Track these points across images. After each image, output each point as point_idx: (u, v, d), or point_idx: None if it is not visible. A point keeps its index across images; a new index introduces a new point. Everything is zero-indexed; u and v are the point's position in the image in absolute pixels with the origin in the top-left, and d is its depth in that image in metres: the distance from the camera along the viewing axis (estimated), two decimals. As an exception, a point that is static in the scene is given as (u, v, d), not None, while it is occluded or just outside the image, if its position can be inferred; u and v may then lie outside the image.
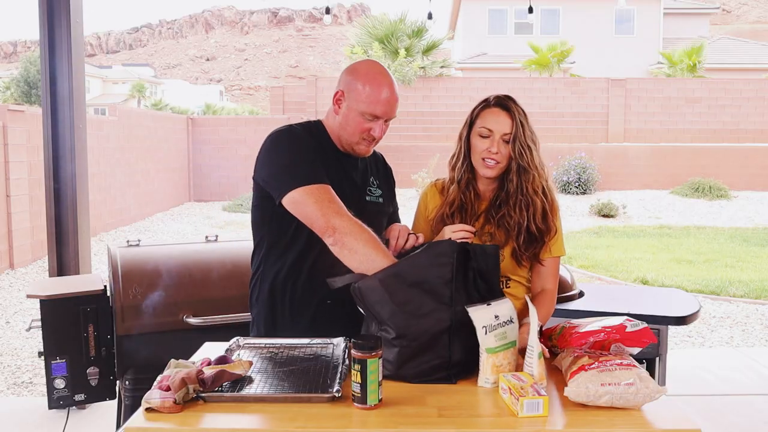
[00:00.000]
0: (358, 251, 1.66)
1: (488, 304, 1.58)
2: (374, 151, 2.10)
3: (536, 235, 1.90)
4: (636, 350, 1.57)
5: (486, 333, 1.55)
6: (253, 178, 1.93)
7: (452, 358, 1.59)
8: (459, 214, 1.96)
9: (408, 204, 3.19)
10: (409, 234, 1.93)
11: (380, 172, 2.09)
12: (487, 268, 1.68)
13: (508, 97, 1.93)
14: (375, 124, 1.87)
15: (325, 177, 1.79)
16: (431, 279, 1.59)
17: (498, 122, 1.89)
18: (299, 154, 1.83)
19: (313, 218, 1.73)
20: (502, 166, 1.90)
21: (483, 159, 1.91)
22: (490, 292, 1.67)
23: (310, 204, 1.74)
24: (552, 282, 1.97)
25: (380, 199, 2.02)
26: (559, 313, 2.52)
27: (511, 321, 1.59)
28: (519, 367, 1.58)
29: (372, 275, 1.61)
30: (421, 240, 1.92)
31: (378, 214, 1.99)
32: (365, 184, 2.00)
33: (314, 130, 1.96)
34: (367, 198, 1.99)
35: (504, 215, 1.92)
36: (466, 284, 1.63)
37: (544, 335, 1.76)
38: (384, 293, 1.58)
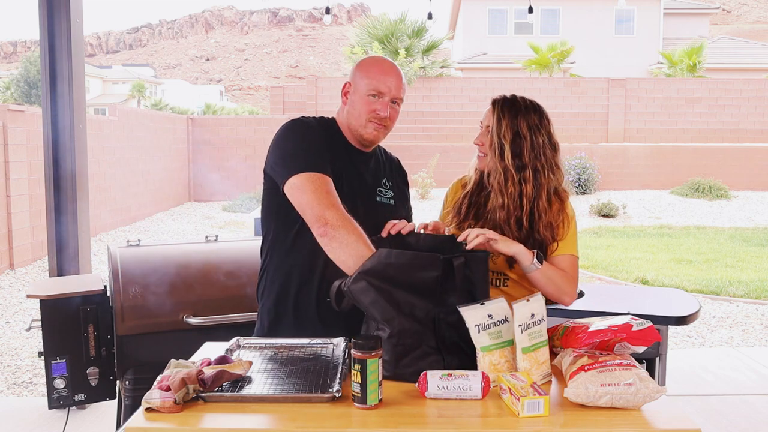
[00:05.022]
0: (349, 244, 1.67)
1: (481, 304, 1.59)
2: (389, 154, 2.12)
3: (519, 240, 1.85)
4: (641, 349, 1.57)
5: (479, 332, 1.56)
6: (264, 170, 1.95)
7: (445, 358, 1.60)
8: (468, 200, 1.98)
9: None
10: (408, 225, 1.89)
11: (394, 174, 2.09)
12: (476, 275, 1.66)
13: (509, 97, 1.94)
14: (379, 103, 1.88)
15: (328, 168, 1.81)
16: (418, 283, 1.60)
17: (486, 115, 1.95)
18: (307, 142, 1.86)
19: (306, 206, 1.75)
20: (488, 160, 1.93)
21: (477, 153, 1.97)
22: (484, 295, 1.66)
23: (307, 192, 1.76)
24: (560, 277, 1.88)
25: (391, 201, 2.01)
26: (559, 313, 2.51)
27: (506, 320, 1.59)
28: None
29: (360, 277, 1.60)
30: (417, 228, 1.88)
31: (389, 215, 1.96)
32: (376, 184, 1.99)
33: (328, 123, 1.99)
34: (378, 199, 1.98)
35: (489, 210, 1.93)
36: (455, 290, 1.63)
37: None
38: (376, 295, 1.59)
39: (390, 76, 1.89)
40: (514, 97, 1.94)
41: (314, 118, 1.99)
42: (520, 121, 1.88)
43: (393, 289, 1.60)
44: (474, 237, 1.74)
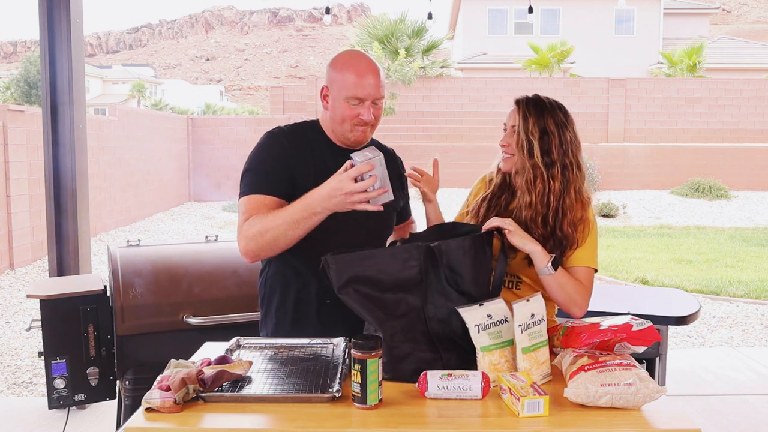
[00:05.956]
0: (260, 234, 1.73)
1: (480, 305, 1.58)
2: (382, 146, 2.07)
3: (543, 238, 1.82)
4: (641, 349, 1.57)
5: (479, 332, 1.56)
6: None
7: (443, 356, 1.60)
8: (488, 203, 1.96)
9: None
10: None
11: (390, 165, 2.05)
12: (458, 262, 1.62)
13: (532, 96, 1.91)
14: (362, 107, 1.85)
15: (264, 186, 1.82)
16: (402, 282, 1.59)
17: (510, 116, 1.92)
18: (259, 162, 1.87)
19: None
20: (516, 160, 1.89)
21: (502, 154, 1.94)
22: (474, 284, 1.63)
23: (239, 215, 1.83)
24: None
25: None
26: (560, 313, 2.51)
27: (506, 320, 1.59)
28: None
29: (347, 285, 1.58)
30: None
31: (387, 208, 1.97)
32: None
33: (307, 128, 1.97)
34: None
35: (513, 209, 1.90)
36: (439, 282, 1.61)
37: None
38: (364, 301, 1.59)
39: (367, 78, 1.83)
40: (537, 96, 1.92)
41: (291, 126, 1.96)
42: (546, 118, 1.85)
43: (380, 294, 1.59)
44: (491, 222, 1.73)
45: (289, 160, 1.86)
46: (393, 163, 2.09)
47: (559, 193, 1.83)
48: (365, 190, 1.60)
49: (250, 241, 1.75)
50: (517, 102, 1.90)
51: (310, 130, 1.97)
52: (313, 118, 2.02)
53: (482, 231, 1.71)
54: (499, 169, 1.99)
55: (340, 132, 1.91)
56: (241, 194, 1.84)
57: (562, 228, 1.83)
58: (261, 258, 1.85)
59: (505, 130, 1.93)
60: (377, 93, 1.86)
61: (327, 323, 1.89)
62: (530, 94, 1.93)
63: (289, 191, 1.83)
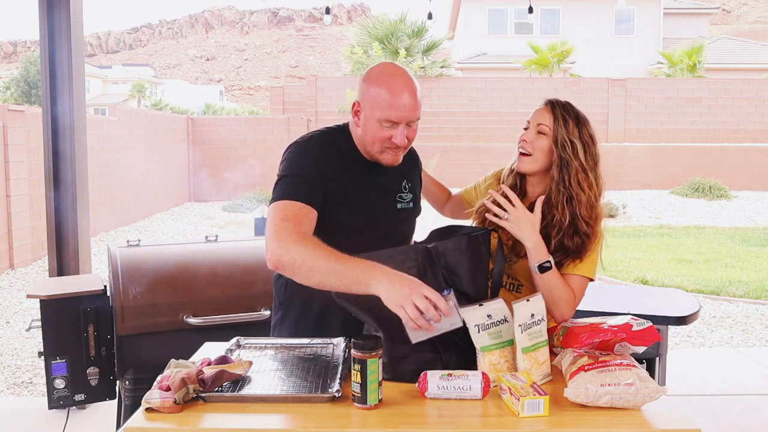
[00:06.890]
0: (302, 264, 1.56)
1: (480, 305, 1.59)
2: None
3: (566, 244, 1.79)
4: (641, 349, 1.57)
5: (479, 332, 1.56)
6: None
7: (443, 356, 1.60)
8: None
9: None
10: None
11: (411, 169, 2.00)
12: (455, 262, 1.62)
13: (564, 102, 1.89)
14: (395, 130, 1.74)
15: (305, 193, 1.71)
16: None
17: (537, 115, 1.88)
18: (296, 168, 1.77)
19: (265, 235, 1.68)
20: (534, 158, 1.85)
21: (519, 151, 1.89)
22: (471, 284, 1.64)
23: (268, 220, 1.69)
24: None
25: (411, 204, 1.95)
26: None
27: (506, 320, 1.60)
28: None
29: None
30: None
31: (408, 219, 1.95)
32: (397, 190, 1.92)
33: (338, 137, 1.87)
34: (399, 206, 1.92)
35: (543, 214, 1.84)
36: (437, 283, 1.61)
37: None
38: (364, 301, 1.58)
39: (402, 98, 1.71)
40: (569, 104, 1.90)
41: (322, 133, 1.87)
42: (582, 127, 1.87)
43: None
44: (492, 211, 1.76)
45: (323, 170, 1.78)
46: (414, 165, 2.03)
47: (596, 196, 1.83)
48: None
49: (287, 254, 1.58)
50: (551, 105, 1.87)
51: (340, 138, 1.87)
52: (342, 123, 1.92)
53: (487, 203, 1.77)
54: (512, 171, 1.95)
55: (370, 153, 1.82)
56: (277, 198, 1.72)
57: (583, 243, 1.79)
58: (282, 272, 1.67)
59: (526, 128, 1.89)
60: (413, 115, 1.75)
61: (351, 335, 1.82)
62: (557, 99, 1.90)
63: (321, 201, 1.76)
